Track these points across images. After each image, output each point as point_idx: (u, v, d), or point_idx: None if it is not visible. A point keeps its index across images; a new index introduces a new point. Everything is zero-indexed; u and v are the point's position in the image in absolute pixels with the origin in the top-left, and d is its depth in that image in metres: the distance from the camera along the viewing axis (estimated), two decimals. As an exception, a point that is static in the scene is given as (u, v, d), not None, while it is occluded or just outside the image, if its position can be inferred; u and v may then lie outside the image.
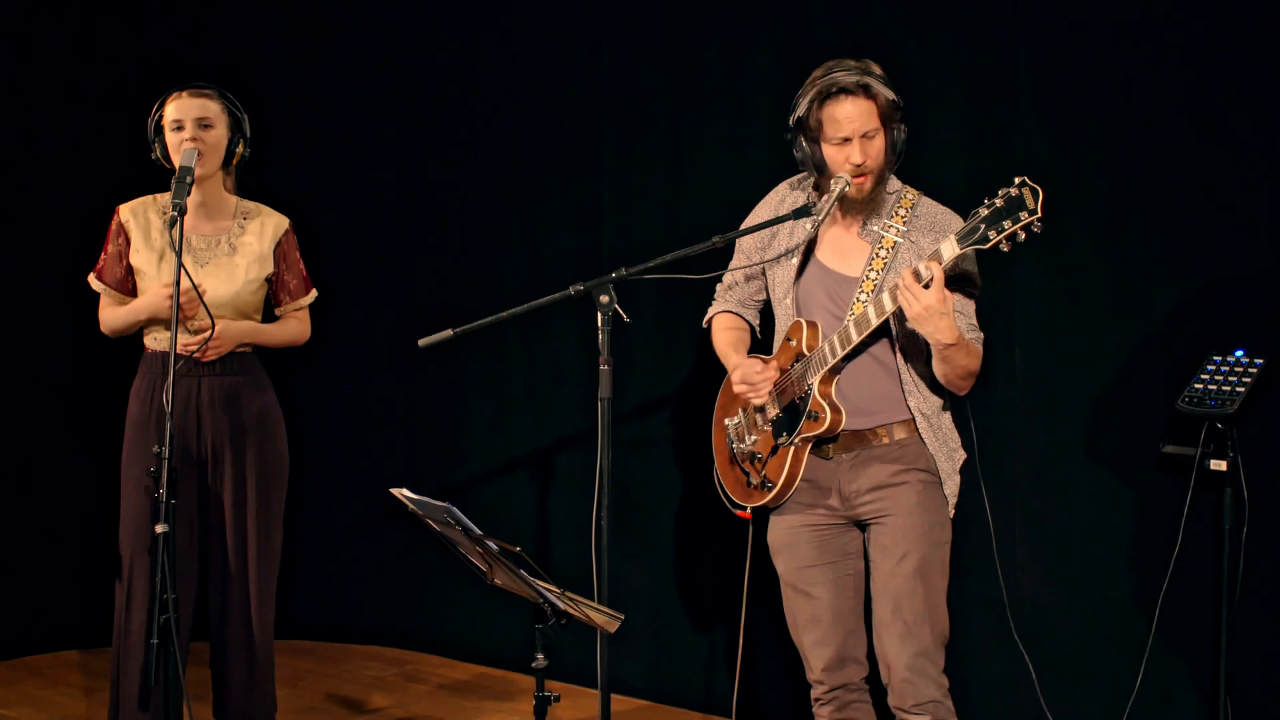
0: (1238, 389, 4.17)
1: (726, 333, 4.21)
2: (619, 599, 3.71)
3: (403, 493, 3.47)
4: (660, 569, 5.71)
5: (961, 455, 3.97)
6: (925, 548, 3.85)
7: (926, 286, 3.59)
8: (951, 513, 3.94)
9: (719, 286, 4.29)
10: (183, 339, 4.37)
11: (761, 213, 4.11)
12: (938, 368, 3.79)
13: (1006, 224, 3.49)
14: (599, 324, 3.72)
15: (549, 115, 6.00)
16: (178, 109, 4.39)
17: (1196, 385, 4.25)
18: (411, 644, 6.50)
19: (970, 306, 3.89)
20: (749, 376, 3.95)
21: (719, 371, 4.19)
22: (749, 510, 4.06)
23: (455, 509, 3.30)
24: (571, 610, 3.39)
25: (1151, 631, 4.48)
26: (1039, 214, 3.47)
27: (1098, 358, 4.67)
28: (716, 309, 4.28)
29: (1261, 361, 4.23)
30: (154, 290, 4.42)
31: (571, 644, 4.18)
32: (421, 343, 3.96)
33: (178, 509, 4.09)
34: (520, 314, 3.92)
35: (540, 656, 3.46)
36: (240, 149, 4.52)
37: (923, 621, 3.83)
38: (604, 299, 3.73)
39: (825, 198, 3.85)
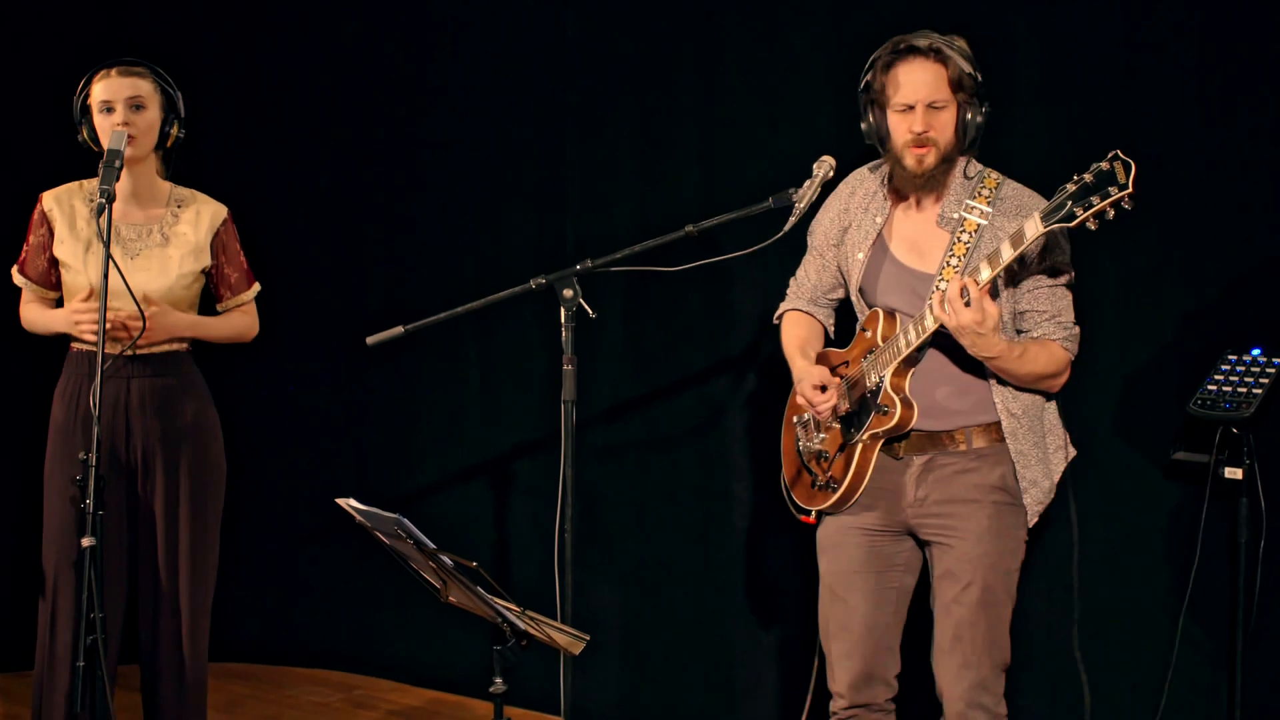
0: (1254, 390, 4.14)
1: (794, 333, 4.17)
2: (584, 618, 3.70)
3: (349, 503, 3.46)
4: (629, 585, 5.69)
5: (1068, 453, 3.94)
6: (993, 577, 3.84)
7: (968, 304, 3.56)
8: (1033, 523, 3.91)
9: (791, 282, 4.25)
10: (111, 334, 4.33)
11: (833, 205, 4.07)
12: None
13: (1095, 199, 3.45)
14: (562, 320, 3.73)
15: (509, 96, 5.97)
16: (106, 88, 4.36)
17: (1210, 387, 4.22)
18: (359, 667, 6.47)
19: (1062, 302, 3.83)
20: (811, 395, 3.91)
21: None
22: (813, 515, 4.05)
23: (406, 520, 3.30)
24: (532, 630, 3.39)
25: (1174, 654, 4.42)
26: (1130, 189, 3.42)
27: (1102, 357, 4.66)
28: (786, 307, 4.24)
29: (1280, 361, 4.23)
30: (72, 310, 4.37)
31: (533, 667, 4.15)
32: (370, 340, 3.96)
33: (105, 521, 4.04)
34: (477, 309, 3.92)
35: (499, 680, 3.46)
36: (175, 130, 4.48)
37: (983, 653, 3.85)
38: (568, 293, 3.73)
39: (806, 184, 3.83)
